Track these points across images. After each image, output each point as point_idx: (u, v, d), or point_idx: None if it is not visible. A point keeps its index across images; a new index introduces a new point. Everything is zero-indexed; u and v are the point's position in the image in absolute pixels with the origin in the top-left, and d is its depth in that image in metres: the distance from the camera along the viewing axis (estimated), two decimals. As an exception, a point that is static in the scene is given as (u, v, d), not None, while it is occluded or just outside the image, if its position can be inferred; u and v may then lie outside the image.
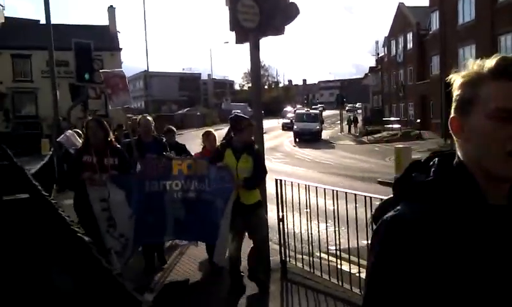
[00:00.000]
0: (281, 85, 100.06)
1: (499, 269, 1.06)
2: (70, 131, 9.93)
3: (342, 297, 5.10)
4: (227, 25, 6.20)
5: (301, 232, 5.88)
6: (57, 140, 10.88)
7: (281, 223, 5.98)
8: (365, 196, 4.87)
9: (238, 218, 5.10)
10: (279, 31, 6.33)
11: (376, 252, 1.14)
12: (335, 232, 5.59)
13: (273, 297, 5.34)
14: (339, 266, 5.39)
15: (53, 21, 15.64)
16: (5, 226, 2.55)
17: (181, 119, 53.98)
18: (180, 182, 5.37)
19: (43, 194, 3.10)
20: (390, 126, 38.15)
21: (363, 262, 5.20)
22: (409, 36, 41.79)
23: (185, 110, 64.36)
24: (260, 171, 5.27)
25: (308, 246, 5.95)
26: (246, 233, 5.44)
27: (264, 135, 6.96)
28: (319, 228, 5.66)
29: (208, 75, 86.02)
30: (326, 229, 6.08)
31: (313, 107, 67.95)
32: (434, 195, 1.12)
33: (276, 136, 39.72)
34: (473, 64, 1.15)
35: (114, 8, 43.97)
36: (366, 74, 67.71)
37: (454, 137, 1.18)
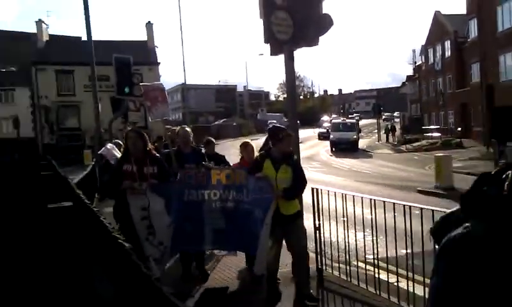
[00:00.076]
0: (316, 95, 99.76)
1: None
2: (110, 144, 10.21)
3: (380, 306, 5.01)
4: (262, 38, 6.30)
5: (337, 241, 5.81)
6: (99, 152, 11.21)
7: (317, 232, 5.94)
8: (404, 205, 4.78)
9: (277, 228, 5.10)
10: (313, 42, 6.35)
11: (443, 271, 1.07)
12: (372, 241, 5.50)
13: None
14: (377, 275, 5.30)
15: (94, 38, 16.23)
16: (50, 233, 2.65)
17: (217, 129, 54.61)
18: (219, 192, 5.38)
19: (86, 202, 3.21)
20: (430, 134, 37.31)
21: (402, 271, 5.09)
22: (447, 44, 40.95)
23: (222, 121, 65.15)
24: (299, 182, 5.24)
25: (345, 255, 5.89)
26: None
27: (300, 144, 6.95)
28: (356, 236, 5.60)
29: (244, 86, 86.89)
30: (364, 238, 5.99)
31: (349, 116, 67.30)
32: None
33: (312, 145, 39.51)
34: None
35: (152, 24, 45.11)
36: (403, 83, 66.46)
37: None
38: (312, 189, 6.03)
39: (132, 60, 14.64)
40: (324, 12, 6.22)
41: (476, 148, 27.98)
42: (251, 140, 8.06)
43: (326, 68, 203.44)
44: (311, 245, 6.42)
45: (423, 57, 49.16)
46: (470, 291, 0.98)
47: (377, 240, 5.37)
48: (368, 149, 36.64)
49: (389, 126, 44.56)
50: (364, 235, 6.02)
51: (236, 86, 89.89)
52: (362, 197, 5.44)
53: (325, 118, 69.39)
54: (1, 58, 42.61)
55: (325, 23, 6.21)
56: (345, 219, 5.81)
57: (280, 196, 5.06)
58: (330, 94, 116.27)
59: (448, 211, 1.19)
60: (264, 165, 5.21)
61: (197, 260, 6.33)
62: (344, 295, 5.44)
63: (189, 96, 56.79)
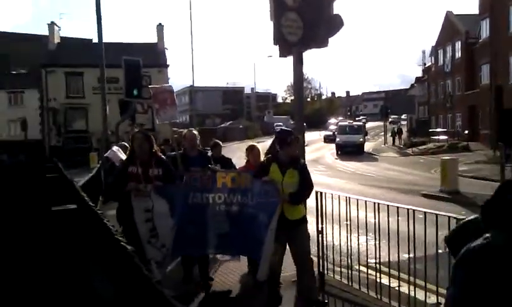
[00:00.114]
0: (324, 97, 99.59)
1: None
2: (116, 146, 10.27)
3: (381, 310, 5.01)
4: (271, 40, 6.25)
5: (340, 245, 5.82)
6: (105, 155, 11.28)
7: (320, 235, 5.94)
8: (408, 209, 4.79)
9: (282, 232, 5.03)
10: (323, 43, 6.29)
11: (461, 282, 1.06)
12: (375, 245, 5.50)
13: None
14: (378, 279, 5.31)
15: (105, 40, 16.30)
16: (54, 235, 2.69)
17: (223, 132, 54.66)
18: (223, 195, 5.32)
19: (90, 205, 3.25)
20: (437, 137, 37.05)
21: (404, 276, 5.10)
22: (458, 44, 40.64)
23: (228, 123, 65.21)
24: (306, 186, 5.15)
25: (347, 259, 5.89)
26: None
27: (305, 147, 6.96)
28: (358, 240, 5.59)
29: (252, 88, 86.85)
30: (366, 242, 6.01)
31: (356, 119, 67.11)
32: None
33: (317, 148, 39.44)
34: None
35: (163, 26, 45.04)
36: (412, 85, 66.18)
37: None
38: (316, 192, 6.01)
39: (142, 62, 14.60)
40: (334, 12, 6.16)
41: (483, 151, 27.81)
42: (257, 142, 8.07)
43: (334, 69, 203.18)
44: (313, 248, 6.43)
45: (432, 58, 48.86)
46: (487, 302, 0.97)
47: (379, 244, 5.38)
48: (374, 152, 36.51)
49: (395, 129, 44.36)
50: (367, 239, 6.03)
51: (243, 88, 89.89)
52: (366, 201, 5.45)
53: (333, 120, 69.33)
54: (12, 61, 43.11)
55: (336, 23, 6.15)
56: (349, 222, 5.81)
57: (285, 200, 5.00)
58: (338, 97, 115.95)
59: (465, 219, 1.16)
60: (270, 169, 5.14)
61: (200, 267, 6.11)
62: (344, 299, 5.44)
63: (196, 98, 56.87)
